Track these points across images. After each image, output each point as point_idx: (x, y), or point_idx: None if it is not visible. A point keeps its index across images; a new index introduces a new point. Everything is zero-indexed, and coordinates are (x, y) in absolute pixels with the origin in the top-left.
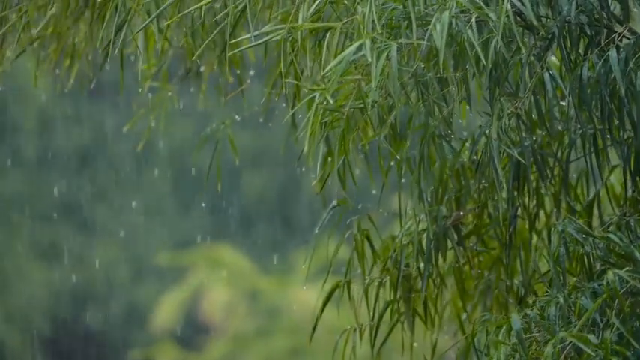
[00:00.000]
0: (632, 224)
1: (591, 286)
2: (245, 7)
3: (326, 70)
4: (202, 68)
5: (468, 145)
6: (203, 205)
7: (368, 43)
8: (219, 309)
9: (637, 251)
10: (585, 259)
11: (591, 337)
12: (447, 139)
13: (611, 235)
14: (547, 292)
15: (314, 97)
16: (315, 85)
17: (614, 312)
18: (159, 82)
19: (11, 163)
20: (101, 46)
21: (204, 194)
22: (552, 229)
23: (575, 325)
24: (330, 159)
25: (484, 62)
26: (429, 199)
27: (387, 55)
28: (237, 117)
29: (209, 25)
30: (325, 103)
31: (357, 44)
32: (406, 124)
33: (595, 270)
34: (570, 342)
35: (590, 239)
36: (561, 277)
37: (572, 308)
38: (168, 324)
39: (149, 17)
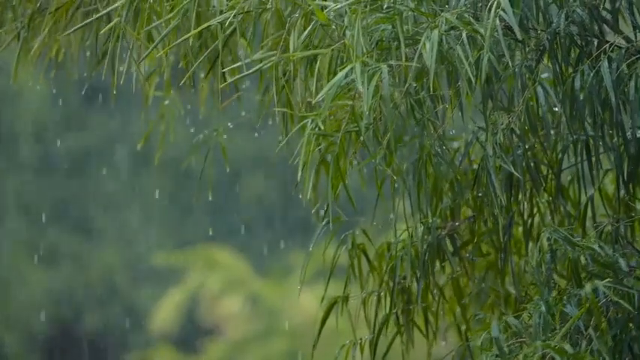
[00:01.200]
0: (623, 230)
1: (577, 293)
2: (235, 29)
3: (318, 97)
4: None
5: (462, 147)
6: (201, 207)
7: (357, 67)
8: (217, 312)
9: (622, 260)
10: (573, 266)
11: (567, 347)
12: (442, 156)
13: (594, 246)
14: (537, 298)
15: (306, 123)
16: (307, 111)
17: (591, 324)
18: (162, 92)
19: (9, 166)
20: (94, 59)
21: (203, 197)
22: (541, 236)
23: (560, 333)
24: (323, 168)
25: (474, 82)
26: (424, 211)
27: (379, 77)
28: (230, 124)
29: (208, 39)
30: (318, 129)
31: (346, 69)
32: (397, 139)
33: (584, 276)
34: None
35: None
36: (545, 286)
37: (556, 316)
38: (167, 327)
39: (146, 38)
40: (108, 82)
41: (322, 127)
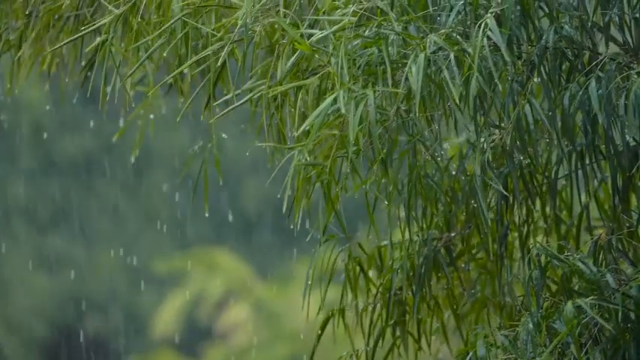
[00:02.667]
0: (614, 242)
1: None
2: (224, 61)
3: (303, 126)
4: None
5: (455, 152)
6: (203, 211)
7: (341, 94)
8: (218, 315)
9: (609, 276)
10: (564, 280)
11: None
12: (433, 178)
13: (579, 264)
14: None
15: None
16: (296, 142)
17: (572, 341)
18: (145, 88)
19: (10, 171)
20: (84, 70)
21: (203, 200)
22: (530, 250)
23: (547, 350)
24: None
25: (461, 104)
26: (418, 223)
27: (366, 103)
28: (224, 135)
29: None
30: (305, 160)
31: (332, 97)
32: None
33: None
34: None
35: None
36: (535, 301)
37: (543, 332)
38: (168, 331)
39: (135, 52)
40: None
41: (308, 159)
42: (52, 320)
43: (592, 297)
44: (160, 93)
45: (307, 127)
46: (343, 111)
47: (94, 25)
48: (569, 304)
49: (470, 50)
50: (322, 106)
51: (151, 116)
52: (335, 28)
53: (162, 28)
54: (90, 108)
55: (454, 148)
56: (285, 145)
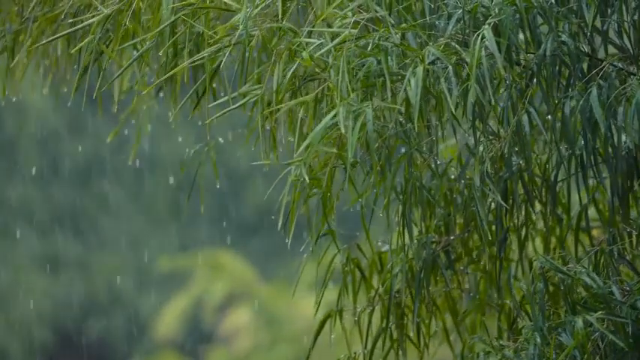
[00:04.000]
0: (615, 252)
1: (572, 320)
2: (220, 63)
3: (304, 144)
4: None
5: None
6: (206, 212)
7: (341, 111)
8: (220, 317)
9: (615, 288)
10: (568, 292)
11: None
12: (429, 191)
13: (584, 277)
14: (531, 324)
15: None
16: (295, 153)
17: (585, 357)
18: (139, 87)
19: (12, 173)
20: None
21: (206, 202)
22: (532, 264)
23: None
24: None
25: (459, 114)
26: (418, 226)
27: (364, 118)
28: (220, 140)
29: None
30: (302, 178)
31: (332, 113)
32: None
33: (579, 301)
34: None
35: (570, 272)
36: (540, 314)
37: (551, 345)
38: (170, 333)
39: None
40: (106, 91)
41: (306, 178)
42: (55, 323)
43: (601, 312)
44: (152, 93)
45: (307, 142)
46: (343, 130)
47: (82, 24)
48: (580, 321)
49: (468, 59)
50: (322, 124)
51: (150, 115)
52: (336, 42)
53: (153, 33)
54: (91, 109)
55: (450, 150)
56: (277, 149)
